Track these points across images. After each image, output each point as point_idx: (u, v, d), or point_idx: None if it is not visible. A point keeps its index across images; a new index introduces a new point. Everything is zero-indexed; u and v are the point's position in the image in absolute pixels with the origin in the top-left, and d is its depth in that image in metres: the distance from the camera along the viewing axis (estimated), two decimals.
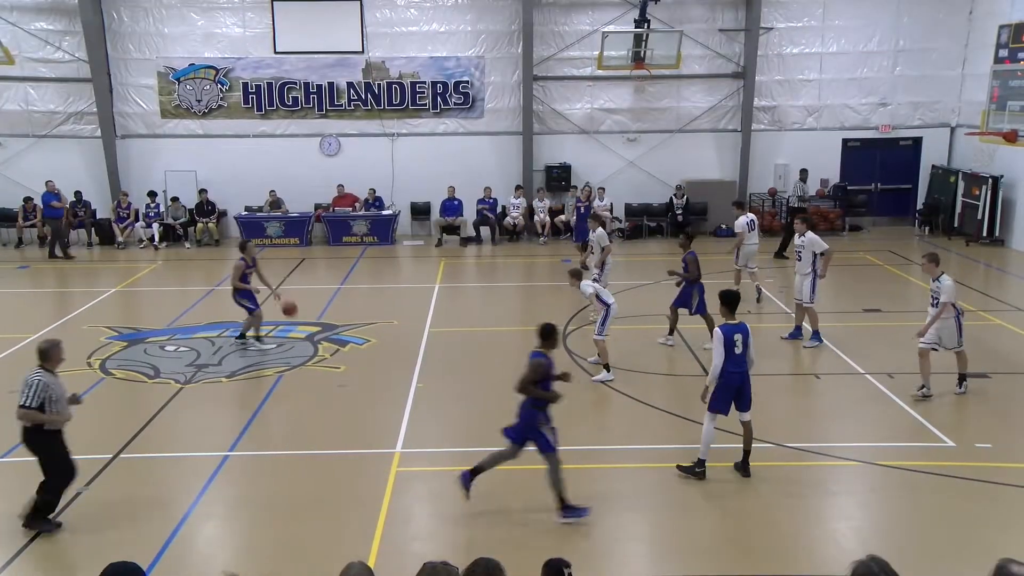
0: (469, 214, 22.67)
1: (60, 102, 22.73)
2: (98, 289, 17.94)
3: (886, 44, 22.69)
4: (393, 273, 20.46)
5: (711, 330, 13.07)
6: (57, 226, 21.01)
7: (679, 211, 22.68)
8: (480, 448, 10.00)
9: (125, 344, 14.06)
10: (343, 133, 23.10)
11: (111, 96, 22.58)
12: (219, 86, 22.73)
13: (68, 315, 15.96)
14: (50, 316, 15.88)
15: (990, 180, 20.43)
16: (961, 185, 21.56)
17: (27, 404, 7.89)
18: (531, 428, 8.30)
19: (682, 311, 13.43)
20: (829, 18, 22.67)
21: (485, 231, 22.62)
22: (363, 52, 22.66)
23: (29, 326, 14.86)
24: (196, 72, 22.67)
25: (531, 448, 8.42)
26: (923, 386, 11.09)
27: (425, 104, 22.99)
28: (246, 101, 22.80)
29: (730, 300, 9.16)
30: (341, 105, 22.94)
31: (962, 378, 11.34)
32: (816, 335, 13.47)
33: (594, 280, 13.42)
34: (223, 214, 22.94)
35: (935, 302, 11.11)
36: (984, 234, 20.63)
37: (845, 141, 23.36)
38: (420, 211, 23.35)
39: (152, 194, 22.33)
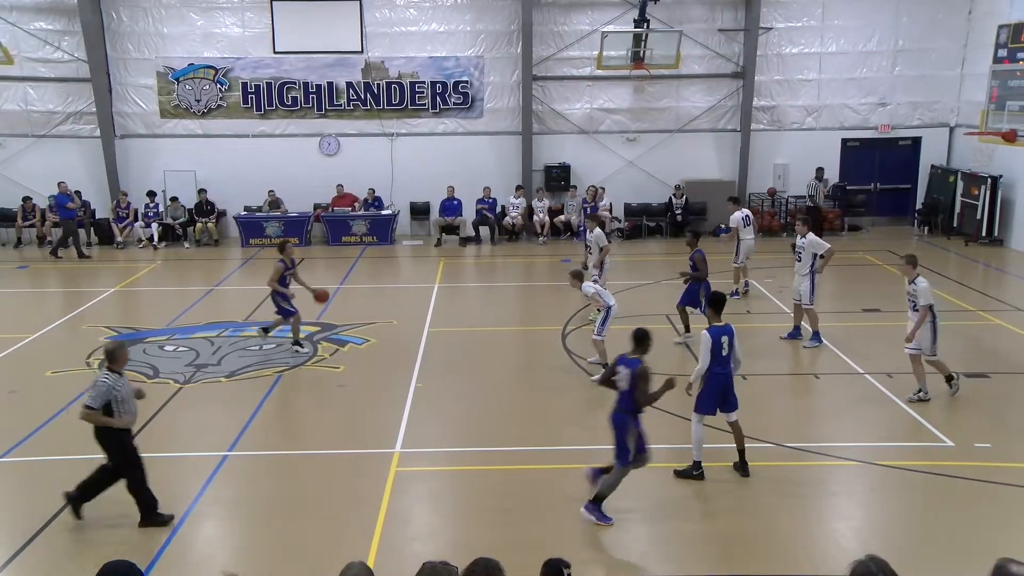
0: (468, 214, 22.67)
1: (59, 102, 22.72)
2: (97, 289, 17.93)
3: (885, 44, 22.69)
4: (392, 273, 20.45)
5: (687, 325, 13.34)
6: (72, 227, 20.99)
7: (678, 211, 22.69)
8: (480, 448, 10.06)
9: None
10: (342, 133, 23.10)
11: (110, 96, 22.57)
12: (218, 86, 22.73)
13: (67, 315, 15.96)
14: (50, 316, 15.88)
15: (989, 180, 20.43)
16: (960, 185, 21.56)
17: (92, 406, 7.99)
18: (620, 433, 8.17)
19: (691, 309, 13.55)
20: (828, 18, 22.67)
21: (484, 231, 22.63)
22: (362, 52, 22.67)
23: (28, 326, 14.87)
24: (195, 72, 22.67)
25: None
26: (920, 390, 11.06)
27: (424, 104, 23.00)
28: (245, 101, 22.79)
29: (716, 302, 9.16)
30: (340, 105, 22.94)
31: (949, 379, 11.23)
32: (816, 336, 13.48)
33: (593, 281, 13.44)
34: (222, 214, 22.94)
35: (913, 305, 11.06)
36: (983, 234, 20.63)
37: (844, 141, 23.36)
38: (419, 211, 23.35)
39: (151, 194, 22.33)
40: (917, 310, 11.00)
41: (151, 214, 22.32)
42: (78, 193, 22.21)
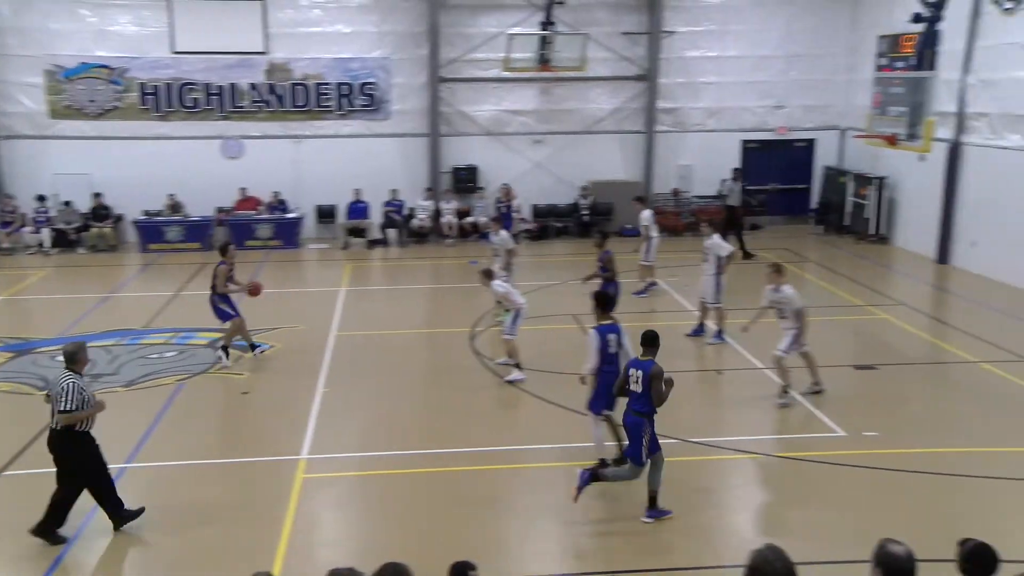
0: (376, 216, 22.49)
1: None
2: None
3: (780, 49, 23.48)
4: (298, 277, 20.14)
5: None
6: None
7: (585, 212, 23.01)
8: (388, 452, 10.01)
9: (12, 355, 13.45)
10: (246, 135, 22.61)
11: None
12: (114, 86, 21.95)
13: None
14: None
15: (876, 181, 21.40)
16: (851, 185, 22.50)
17: (70, 408, 7.71)
18: (636, 436, 8.20)
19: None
20: (727, 23, 23.32)
21: (392, 233, 22.48)
22: (266, 53, 22.24)
23: None
24: (88, 71, 21.83)
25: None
26: (815, 382, 11.41)
27: (330, 106, 22.71)
28: (143, 102, 22.08)
29: (603, 301, 9.28)
30: (243, 107, 22.45)
31: (784, 390, 11.22)
32: (719, 334, 13.83)
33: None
34: (119, 219, 22.16)
35: (781, 312, 11.23)
36: (871, 232, 21.57)
37: (744, 142, 24.07)
38: (326, 214, 23.04)
39: (41, 198, 21.41)
40: (785, 317, 11.23)
41: (41, 219, 21.40)
42: None
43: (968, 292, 16.99)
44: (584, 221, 22.90)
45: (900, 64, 19.56)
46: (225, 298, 12.90)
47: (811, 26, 23.30)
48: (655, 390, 8.08)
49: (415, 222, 22.47)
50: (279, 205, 22.31)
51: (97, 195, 21.67)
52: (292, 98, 22.54)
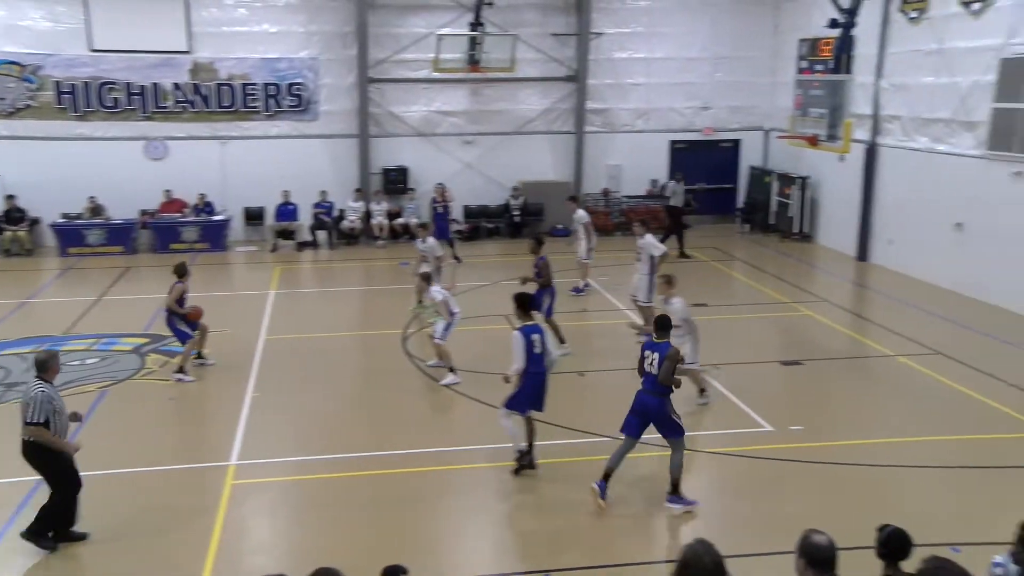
0: (305, 218, 22.20)
1: None
2: None
3: (706, 52, 23.90)
4: (226, 280, 19.75)
5: (559, 336, 13.40)
6: None
7: (516, 212, 23.10)
8: (320, 456, 9.89)
9: None
10: (170, 136, 22.08)
11: None
12: (26, 84, 21.21)
13: None
14: None
15: (799, 180, 21.98)
16: (775, 185, 23.06)
17: (35, 420, 7.43)
18: (664, 415, 8.49)
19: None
20: (654, 25, 23.64)
21: (322, 235, 22.22)
22: (189, 52, 21.76)
23: None
24: None
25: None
26: (703, 390, 11.34)
27: (257, 106, 22.33)
28: (60, 101, 21.37)
29: (524, 302, 9.35)
30: (167, 107, 21.92)
31: (702, 391, 11.36)
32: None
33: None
34: (35, 222, 21.41)
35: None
36: (795, 230, 22.14)
37: (672, 143, 24.45)
38: (254, 216, 22.66)
39: None
40: (678, 326, 11.23)
41: None
42: None
43: (886, 288, 17.57)
44: (515, 221, 23.00)
45: (819, 67, 20.10)
46: (183, 317, 12.59)
47: (735, 29, 23.79)
48: (665, 369, 8.42)
49: (345, 224, 22.25)
50: (205, 207, 21.85)
51: (10, 197, 20.91)
52: (218, 99, 22.10)
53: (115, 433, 10.65)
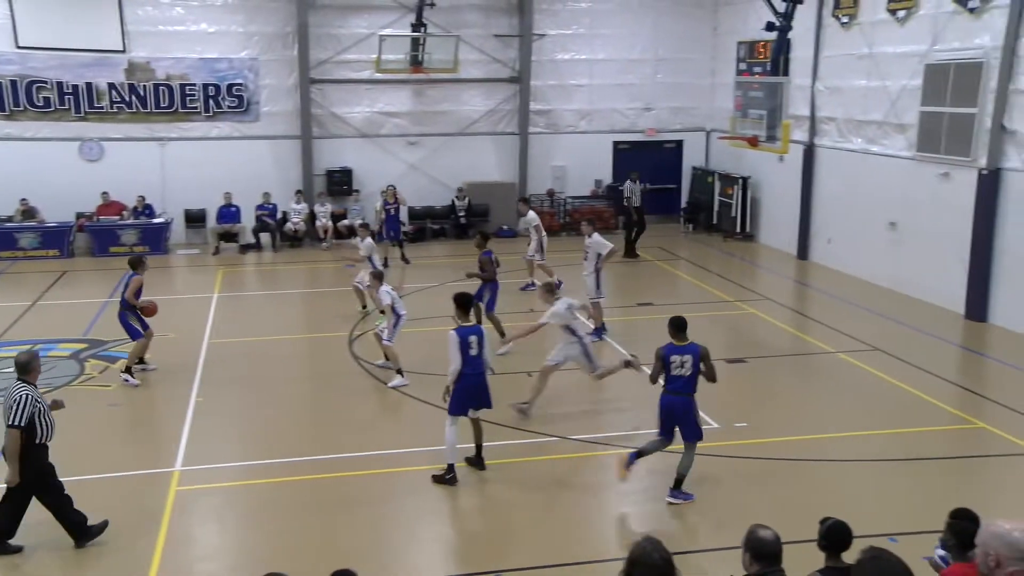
0: (248, 220, 21.90)
1: None
2: None
3: (648, 53, 24.18)
4: (167, 284, 19.29)
5: (499, 331, 13.46)
6: None
7: (462, 213, 23.09)
8: (266, 461, 9.78)
9: None
10: (106, 137, 21.58)
11: None
12: None
13: None
14: None
15: (740, 180, 22.37)
16: (718, 185, 23.43)
17: (18, 423, 7.22)
18: (691, 416, 8.64)
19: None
20: (596, 27, 23.84)
21: (265, 237, 21.93)
22: (124, 51, 21.28)
23: None
24: None
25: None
26: (527, 402, 10.97)
27: (196, 107, 21.95)
28: None
29: (464, 303, 9.35)
30: (102, 107, 21.42)
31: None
32: (597, 331, 14.06)
33: (367, 286, 13.49)
34: None
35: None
36: (738, 230, 22.54)
37: (616, 144, 24.68)
38: (195, 218, 22.28)
39: None
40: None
41: None
42: None
43: (826, 286, 17.98)
44: (461, 223, 23.00)
45: (758, 69, 20.57)
46: (135, 313, 12.29)
47: (676, 31, 24.10)
48: (709, 368, 8.54)
49: (289, 226, 22.01)
50: (145, 210, 21.41)
51: None
52: (156, 99, 21.67)
53: (54, 441, 10.37)
